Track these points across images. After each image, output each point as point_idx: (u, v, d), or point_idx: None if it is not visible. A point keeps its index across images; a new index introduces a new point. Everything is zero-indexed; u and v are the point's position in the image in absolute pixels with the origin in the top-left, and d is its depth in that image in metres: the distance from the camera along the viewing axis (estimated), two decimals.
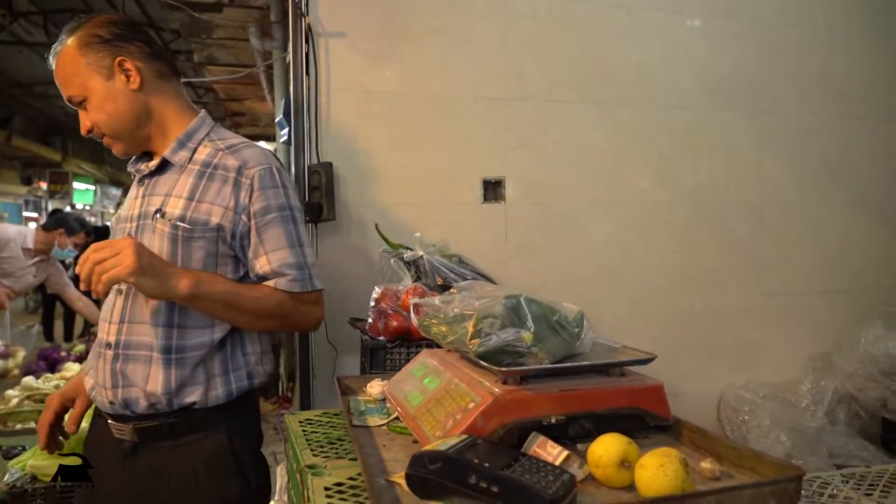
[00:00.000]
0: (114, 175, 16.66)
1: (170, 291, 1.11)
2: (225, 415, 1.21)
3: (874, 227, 3.03)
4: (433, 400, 1.04)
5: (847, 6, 2.99)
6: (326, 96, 2.32)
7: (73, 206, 14.60)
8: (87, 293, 1.21)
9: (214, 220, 1.17)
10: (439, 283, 1.90)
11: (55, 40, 1.24)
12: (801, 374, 2.86)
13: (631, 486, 0.82)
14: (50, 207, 13.36)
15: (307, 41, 2.27)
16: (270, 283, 1.19)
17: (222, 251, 1.19)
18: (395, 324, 1.74)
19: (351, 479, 0.97)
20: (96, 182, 16.71)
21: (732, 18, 2.81)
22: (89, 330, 5.25)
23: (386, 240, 2.19)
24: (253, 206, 1.18)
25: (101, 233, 6.31)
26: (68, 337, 6.57)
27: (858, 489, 1.11)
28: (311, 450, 1.11)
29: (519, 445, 0.91)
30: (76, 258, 2.87)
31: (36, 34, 6.66)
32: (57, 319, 6.94)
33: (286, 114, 2.52)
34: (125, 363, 1.18)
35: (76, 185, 15.37)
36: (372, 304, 1.83)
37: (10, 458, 1.99)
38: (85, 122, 1.23)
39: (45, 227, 3.87)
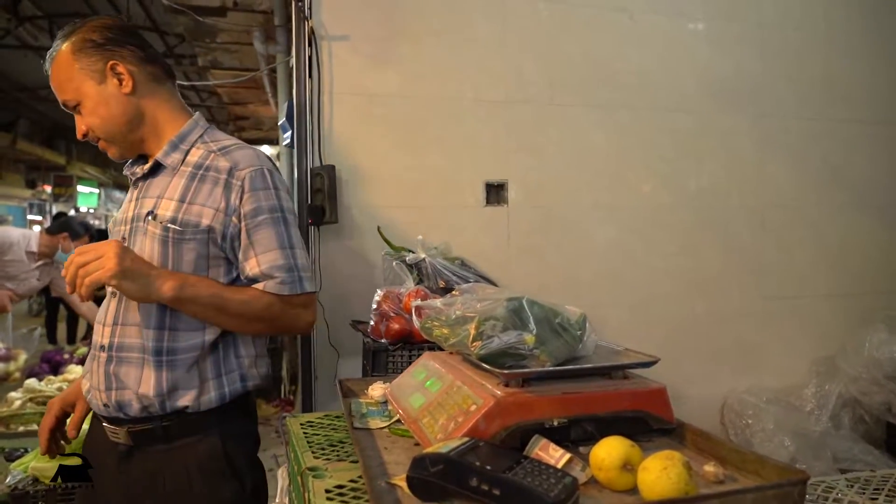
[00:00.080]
0: (118, 178, 16.71)
1: (153, 294, 1.10)
2: (219, 418, 1.21)
3: (876, 231, 3.03)
4: (435, 402, 1.04)
5: (849, 10, 2.99)
6: (329, 99, 2.32)
7: (77, 210, 14.65)
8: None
9: (205, 221, 1.16)
10: (441, 285, 1.90)
11: None
12: (805, 378, 2.85)
13: (634, 490, 0.82)
14: (54, 211, 13.41)
15: (310, 44, 2.28)
16: (260, 285, 1.19)
17: (213, 253, 1.19)
18: (396, 326, 1.74)
19: (352, 481, 0.96)
20: (100, 185, 16.78)
21: (735, 21, 2.81)
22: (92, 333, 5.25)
23: (388, 242, 2.19)
24: (243, 207, 1.18)
25: (105, 236, 6.30)
26: (71, 339, 6.59)
27: (863, 493, 1.10)
28: (313, 452, 1.11)
29: (521, 448, 0.90)
30: None
31: (41, 38, 6.70)
32: (60, 322, 6.95)
33: (289, 117, 2.52)
34: (118, 365, 1.18)
35: (80, 188, 15.43)
36: (374, 306, 1.83)
37: (12, 461, 1.99)
38: (80, 126, 1.24)
39: (49, 231, 3.88)
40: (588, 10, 2.61)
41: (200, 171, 1.20)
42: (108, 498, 1.22)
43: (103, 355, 1.20)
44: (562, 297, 1.15)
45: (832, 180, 2.96)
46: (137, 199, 1.24)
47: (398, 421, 1.13)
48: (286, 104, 2.76)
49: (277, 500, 1.37)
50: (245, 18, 3.80)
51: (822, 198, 2.95)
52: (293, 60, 2.35)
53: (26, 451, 2.04)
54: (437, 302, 1.17)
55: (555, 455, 0.86)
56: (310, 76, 2.29)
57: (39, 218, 14.88)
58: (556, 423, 0.94)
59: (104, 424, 1.23)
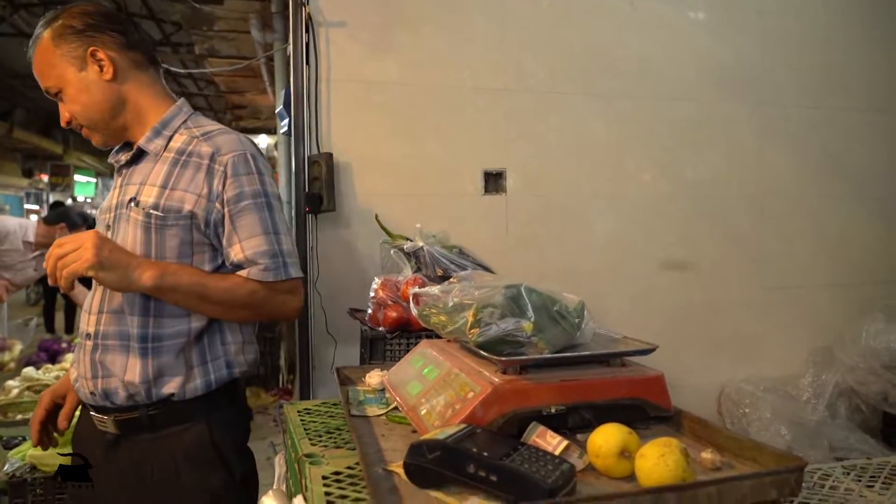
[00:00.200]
0: None
1: (133, 284, 1.10)
2: (205, 406, 1.20)
3: (875, 220, 3.02)
4: (432, 390, 1.04)
5: None
6: (327, 87, 2.31)
7: (74, 199, 14.62)
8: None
9: (187, 207, 1.15)
10: (439, 274, 1.90)
11: None
12: (802, 368, 2.86)
13: (631, 476, 0.82)
14: (51, 200, 13.37)
15: (307, 31, 2.26)
16: (244, 272, 1.17)
17: (197, 239, 1.18)
18: (394, 314, 1.74)
19: (349, 468, 0.96)
20: (98, 175, 16.73)
21: (735, 10, 2.79)
22: None
23: (386, 230, 2.19)
24: (226, 193, 1.16)
25: None
26: (69, 329, 6.58)
27: (859, 481, 1.10)
28: (310, 439, 1.11)
29: (518, 435, 0.90)
30: None
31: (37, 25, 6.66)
32: (58, 311, 6.95)
33: (286, 104, 2.51)
34: (104, 353, 1.18)
35: (77, 177, 15.39)
36: (371, 294, 1.82)
37: (10, 448, 1.99)
38: (63, 113, 1.23)
39: (47, 221, 3.86)
40: None
41: (183, 157, 1.19)
42: (97, 487, 1.21)
43: (89, 343, 1.19)
44: (561, 286, 1.14)
45: (832, 169, 2.95)
46: (121, 186, 1.23)
47: (395, 408, 1.13)
48: (283, 92, 2.73)
49: (275, 487, 1.37)
50: (242, 6, 3.77)
51: (821, 187, 2.94)
52: (290, 48, 2.33)
53: (24, 439, 2.05)
54: (435, 289, 1.17)
55: (552, 442, 0.86)
56: (307, 63, 2.27)
57: (36, 207, 14.85)
58: (553, 411, 0.94)
59: (91, 413, 1.22)
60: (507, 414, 0.92)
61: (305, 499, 0.90)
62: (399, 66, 2.39)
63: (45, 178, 14.73)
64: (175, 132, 1.23)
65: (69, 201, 12.90)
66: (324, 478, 0.92)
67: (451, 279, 1.21)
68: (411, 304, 1.23)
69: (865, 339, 2.73)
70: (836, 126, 2.95)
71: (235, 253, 1.17)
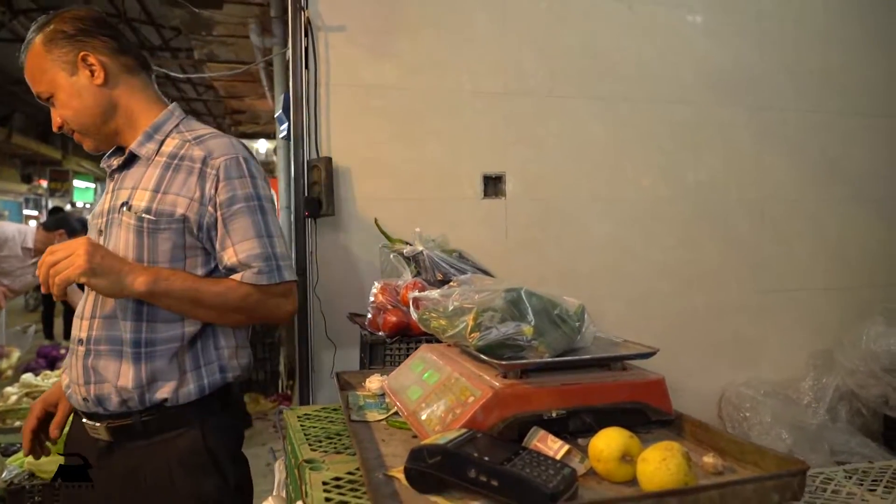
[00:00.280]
0: None
1: (125, 289, 1.09)
2: (199, 412, 1.19)
3: (874, 223, 3.03)
4: (432, 394, 1.03)
5: (847, 2, 2.98)
6: (326, 91, 2.31)
7: (73, 204, 14.59)
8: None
9: (179, 211, 1.15)
10: (439, 278, 1.89)
11: None
12: (803, 371, 2.86)
13: (633, 481, 0.81)
14: (50, 205, 13.36)
15: (306, 35, 2.26)
16: (237, 275, 1.17)
17: (190, 243, 1.17)
18: (394, 319, 1.73)
19: (349, 473, 0.96)
20: (97, 180, 16.70)
21: (734, 13, 2.80)
22: None
23: (385, 235, 2.18)
24: (219, 196, 1.16)
25: None
26: (68, 335, 6.56)
27: (861, 485, 1.10)
28: (310, 444, 1.10)
29: (519, 440, 0.90)
30: None
31: None
32: (57, 317, 6.93)
33: (286, 109, 2.51)
34: (97, 359, 1.17)
35: (77, 182, 15.36)
36: (371, 299, 1.82)
37: (9, 455, 1.99)
38: (55, 118, 1.23)
39: (46, 227, 3.86)
40: (587, 0, 2.60)
41: (175, 161, 1.18)
42: (90, 495, 1.20)
43: (81, 349, 1.19)
44: (560, 290, 1.14)
45: (830, 173, 2.95)
46: (113, 190, 1.23)
47: (396, 413, 1.13)
48: (283, 96, 2.74)
49: (275, 493, 1.37)
50: (241, 10, 3.78)
51: (820, 190, 2.94)
52: (290, 52, 2.33)
53: None
54: (435, 293, 1.16)
55: (553, 446, 0.85)
56: (306, 67, 2.28)
57: (35, 213, 14.84)
58: (554, 415, 0.94)
59: (84, 420, 1.22)
60: (508, 418, 0.92)
61: None
62: (398, 70, 2.40)
63: (44, 183, 14.71)
64: (167, 136, 1.23)
65: (68, 207, 12.91)
66: (324, 483, 0.92)
67: (451, 283, 1.21)
68: (411, 309, 1.23)
69: (865, 343, 2.72)
70: (835, 129, 2.96)
71: (228, 256, 1.17)
